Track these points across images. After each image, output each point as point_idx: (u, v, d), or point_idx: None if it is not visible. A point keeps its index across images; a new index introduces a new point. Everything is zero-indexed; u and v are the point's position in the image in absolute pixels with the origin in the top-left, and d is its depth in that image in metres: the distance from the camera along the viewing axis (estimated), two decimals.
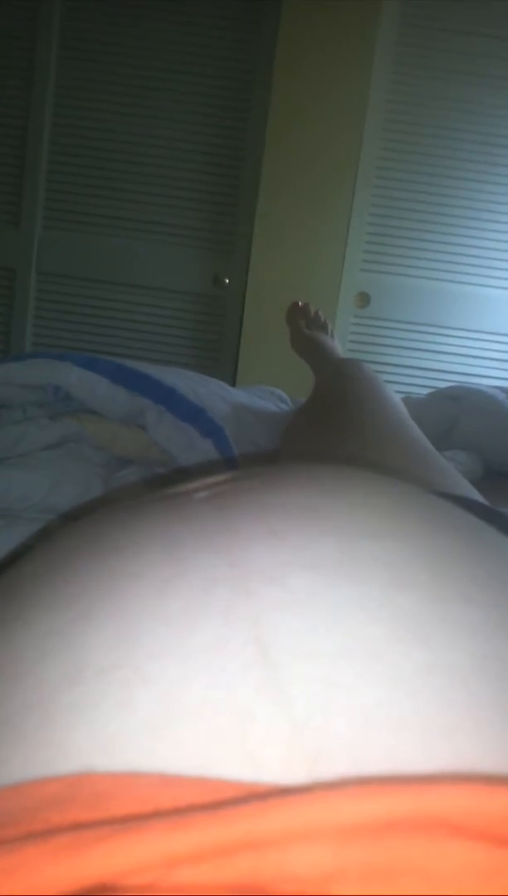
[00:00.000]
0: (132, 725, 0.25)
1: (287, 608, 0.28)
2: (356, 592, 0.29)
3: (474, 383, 1.87)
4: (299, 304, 1.71)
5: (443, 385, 1.72)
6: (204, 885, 0.19)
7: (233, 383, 1.67)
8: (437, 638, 0.28)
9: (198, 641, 0.27)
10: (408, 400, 1.46)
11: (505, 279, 2.62)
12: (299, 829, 0.20)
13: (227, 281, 2.70)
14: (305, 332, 1.61)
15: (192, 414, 1.04)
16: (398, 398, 1.12)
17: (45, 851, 0.20)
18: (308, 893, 0.19)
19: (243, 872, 0.19)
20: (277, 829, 0.20)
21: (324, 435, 0.96)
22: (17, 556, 0.41)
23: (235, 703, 0.25)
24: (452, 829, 0.19)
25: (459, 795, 0.20)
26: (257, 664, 0.26)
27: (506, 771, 0.24)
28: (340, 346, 1.63)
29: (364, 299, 2.62)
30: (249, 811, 0.20)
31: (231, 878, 0.19)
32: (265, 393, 1.50)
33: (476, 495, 0.80)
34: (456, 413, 1.45)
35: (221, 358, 2.74)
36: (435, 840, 0.19)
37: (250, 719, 0.25)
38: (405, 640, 0.27)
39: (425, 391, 1.72)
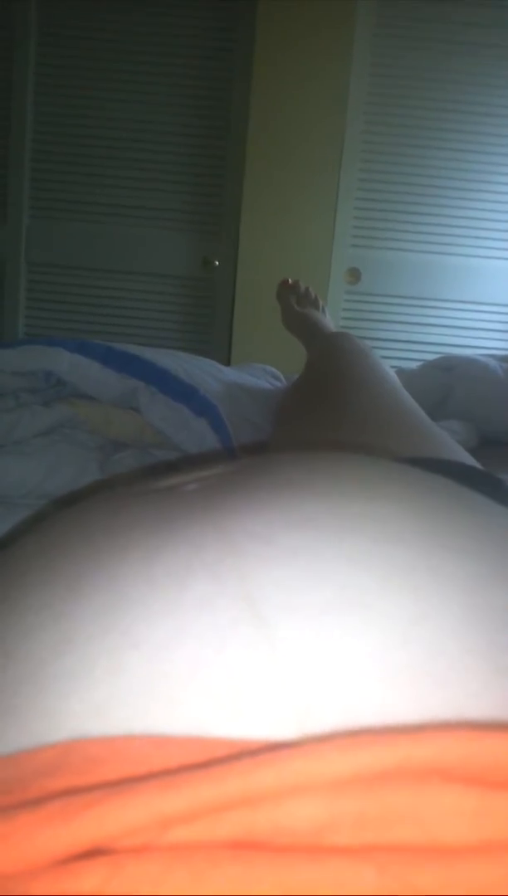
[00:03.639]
0: (123, 689, 0.25)
1: (275, 563, 0.28)
2: (344, 546, 0.29)
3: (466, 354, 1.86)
4: (289, 281, 1.70)
5: (436, 357, 1.72)
6: (198, 843, 0.19)
7: (227, 364, 1.67)
8: (428, 588, 0.28)
9: (185, 601, 0.27)
10: (401, 372, 1.46)
11: (495, 249, 2.61)
12: (291, 783, 0.20)
13: (216, 263, 2.69)
14: (296, 308, 1.60)
15: (185, 393, 1.04)
16: (390, 370, 1.12)
17: (38, 818, 0.20)
18: (303, 845, 0.19)
19: (237, 828, 0.19)
20: (269, 784, 0.20)
21: (317, 412, 0.96)
22: (9, 541, 0.41)
23: (224, 660, 0.25)
24: (443, 775, 0.19)
25: (449, 742, 0.20)
26: (246, 620, 0.26)
27: (497, 719, 0.24)
28: (331, 321, 1.62)
29: (355, 275, 2.61)
30: (240, 767, 0.20)
31: (225, 834, 0.19)
32: (258, 371, 1.50)
33: (472, 462, 0.80)
34: (450, 383, 1.45)
35: (214, 340, 2.73)
36: (427, 787, 0.19)
37: (240, 676, 0.25)
38: (396, 591, 0.27)
39: (417, 364, 1.72)
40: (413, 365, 1.74)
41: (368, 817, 0.19)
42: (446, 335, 2.66)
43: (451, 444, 0.83)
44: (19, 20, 2.59)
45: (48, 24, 2.60)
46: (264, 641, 0.25)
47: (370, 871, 0.17)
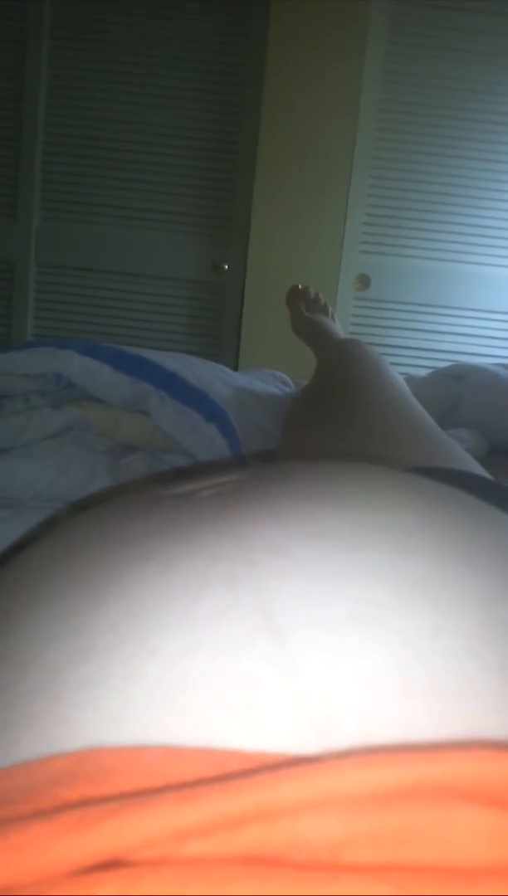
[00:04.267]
0: (138, 699, 0.25)
1: (291, 575, 0.28)
2: (360, 558, 0.29)
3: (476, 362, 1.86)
4: (299, 287, 1.70)
5: (446, 365, 1.72)
6: (215, 858, 0.19)
7: (235, 369, 1.67)
8: (444, 602, 0.28)
9: (202, 612, 0.27)
10: (410, 379, 1.46)
11: (505, 257, 2.61)
12: (309, 799, 0.20)
13: (226, 267, 2.69)
14: (305, 314, 1.60)
15: (194, 398, 1.04)
16: (400, 377, 1.12)
17: (54, 828, 0.20)
18: (320, 862, 0.19)
19: (254, 843, 0.19)
20: (287, 800, 0.20)
21: (327, 419, 0.96)
22: (23, 545, 0.41)
23: (240, 671, 0.25)
24: (461, 795, 0.19)
25: (467, 762, 0.20)
26: (262, 631, 0.26)
27: None
28: (341, 328, 1.62)
29: (364, 281, 2.61)
30: (258, 782, 0.20)
31: (242, 849, 0.19)
32: (268, 376, 1.50)
33: (481, 471, 0.80)
34: (459, 391, 1.45)
35: (222, 344, 2.73)
36: (444, 807, 0.19)
37: (256, 687, 0.25)
38: (412, 604, 0.27)
39: (427, 372, 1.72)
40: (423, 372, 1.74)
41: (385, 835, 0.19)
42: (455, 343, 2.65)
43: (460, 453, 0.83)
44: (32, 22, 2.59)
45: (60, 25, 2.61)
46: (279, 653, 0.25)
47: (387, 891, 0.17)
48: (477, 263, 2.61)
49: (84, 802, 0.21)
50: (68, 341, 1.07)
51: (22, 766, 0.24)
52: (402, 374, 1.27)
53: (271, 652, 0.25)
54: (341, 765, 0.20)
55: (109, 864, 0.19)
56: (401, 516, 0.32)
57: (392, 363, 1.21)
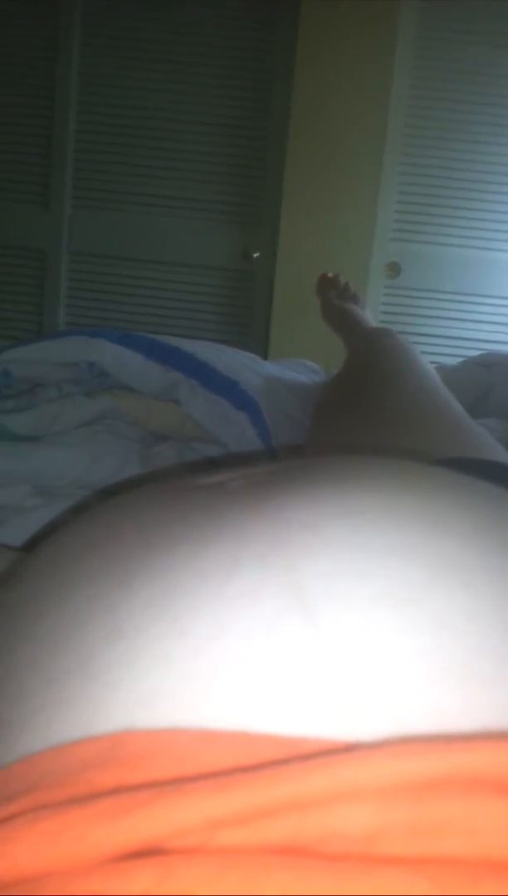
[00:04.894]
0: (170, 679, 0.25)
1: (323, 554, 0.28)
2: (394, 538, 0.29)
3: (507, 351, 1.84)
4: (329, 275, 1.70)
5: (476, 354, 1.70)
6: (249, 847, 0.19)
7: (265, 357, 1.67)
8: (480, 585, 0.27)
9: (233, 591, 0.27)
10: (440, 368, 1.45)
11: None
12: (342, 789, 0.19)
13: (256, 254, 2.68)
14: (335, 303, 1.60)
15: (225, 387, 1.04)
16: (430, 366, 1.11)
17: (89, 815, 0.20)
18: (353, 853, 0.19)
19: (287, 833, 0.19)
20: (320, 790, 0.20)
21: (357, 409, 0.96)
22: (53, 531, 0.41)
23: (271, 652, 0.25)
24: (496, 786, 0.19)
25: (502, 753, 0.20)
26: (293, 611, 0.26)
27: None
28: (371, 316, 1.61)
29: (395, 269, 2.59)
30: (292, 771, 0.20)
31: (275, 839, 0.19)
32: (298, 365, 1.49)
33: None
34: (490, 380, 1.43)
35: (252, 332, 2.73)
36: (479, 798, 0.19)
37: (287, 670, 0.24)
38: (448, 586, 0.27)
39: (458, 361, 1.70)
40: (453, 361, 1.72)
41: (420, 827, 0.19)
42: (486, 331, 2.63)
43: (490, 443, 0.82)
44: (64, 11, 2.60)
45: (93, 16, 2.61)
46: (311, 634, 0.25)
47: (423, 884, 0.17)
48: None
49: (118, 788, 0.21)
50: (100, 330, 1.08)
51: (55, 749, 0.24)
52: (432, 362, 1.26)
53: (302, 633, 0.25)
54: (374, 754, 0.20)
55: (144, 853, 0.19)
56: (435, 500, 0.32)
57: (422, 352, 1.20)
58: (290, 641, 0.25)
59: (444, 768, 0.20)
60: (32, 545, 0.70)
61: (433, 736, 0.22)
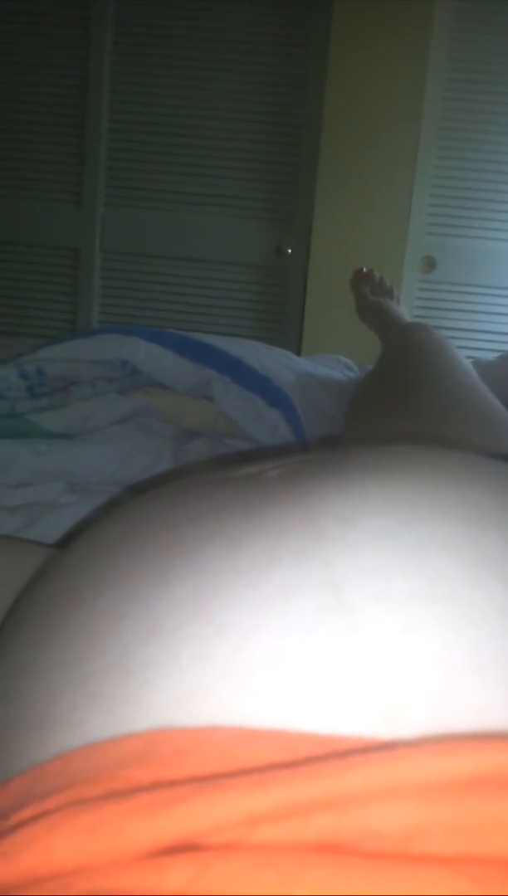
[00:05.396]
0: (208, 677, 0.25)
1: (360, 549, 0.27)
2: (433, 532, 0.28)
3: None
4: (363, 270, 1.69)
5: None
6: (285, 844, 0.19)
7: (298, 353, 1.66)
8: None
9: (269, 589, 0.27)
10: (477, 363, 1.43)
11: None
12: (380, 787, 0.19)
13: (289, 251, 2.68)
14: (370, 298, 1.59)
15: (258, 384, 1.04)
16: (467, 361, 1.10)
17: (127, 810, 0.20)
18: (391, 851, 0.18)
19: (325, 830, 0.19)
20: (358, 787, 0.19)
21: (393, 405, 0.95)
22: (85, 528, 0.41)
23: (308, 650, 0.25)
24: None
25: None
26: (330, 608, 0.26)
27: None
28: (406, 311, 1.60)
29: (430, 263, 2.57)
30: (329, 769, 0.20)
31: (312, 836, 0.19)
32: (332, 361, 1.49)
33: None
34: None
35: (285, 328, 2.72)
36: None
37: (325, 666, 0.24)
38: (486, 581, 0.26)
39: (494, 356, 1.69)
40: (490, 356, 1.70)
41: (459, 826, 0.18)
42: None
43: None
44: (96, 11, 2.61)
45: (125, 16, 2.61)
46: (348, 632, 0.25)
47: (462, 883, 0.17)
48: None
49: (156, 784, 0.21)
50: (133, 328, 1.08)
51: (94, 746, 0.24)
52: (469, 357, 1.25)
53: (339, 630, 0.25)
54: (413, 752, 0.20)
55: (181, 848, 0.19)
56: (473, 492, 0.31)
57: (459, 346, 1.19)
58: (328, 640, 0.25)
59: (485, 767, 0.20)
60: (66, 542, 0.70)
61: (473, 734, 0.22)
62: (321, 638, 0.25)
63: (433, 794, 0.19)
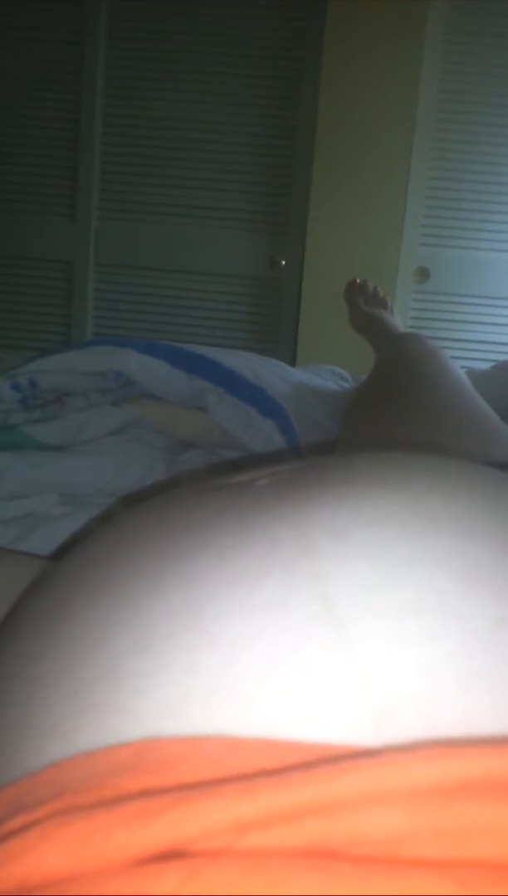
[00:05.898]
0: (198, 688, 0.25)
1: (351, 562, 0.28)
2: (423, 544, 0.28)
3: None
4: (357, 281, 1.70)
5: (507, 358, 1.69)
6: (275, 850, 0.19)
7: (293, 364, 1.67)
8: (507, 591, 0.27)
9: (261, 600, 0.27)
10: (470, 373, 1.43)
11: None
12: (370, 793, 0.19)
13: (283, 263, 2.69)
14: (364, 309, 1.60)
15: (252, 394, 1.04)
16: (461, 371, 1.11)
17: (116, 818, 0.20)
18: (381, 856, 0.18)
19: (314, 836, 0.19)
20: (347, 793, 0.19)
21: (387, 415, 0.95)
22: (79, 539, 0.41)
23: (299, 661, 0.25)
24: None
25: None
26: (321, 620, 0.26)
27: None
28: (400, 321, 1.61)
29: (424, 274, 2.58)
30: (318, 775, 0.20)
31: (302, 842, 0.19)
32: (326, 372, 1.49)
33: None
34: None
35: (280, 340, 2.73)
36: None
37: (315, 678, 0.24)
38: (476, 593, 0.27)
39: (488, 365, 1.69)
40: (484, 366, 1.71)
41: (447, 830, 0.18)
42: None
43: None
44: (89, 21, 2.62)
45: (117, 26, 2.63)
46: (338, 643, 0.25)
47: (449, 886, 0.17)
48: None
49: (145, 793, 0.21)
50: (127, 340, 1.09)
51: (85, 755, 0.24)
52: (463, 367, 1.25)
53: (329, 642, 0.25)
54: (402, 758, 0.20)
55: (170, 855, 0.19)
56: (465, 503, 0.32)
57: (452, 356, 1.20)
58: (318, 650, 0.25)
59: (473, 772, 0.20)
60: (61, 554, 0.70)
61: (461, 740, 0.22)
62: (311, 649, 0.25)
63: (421, 799, 0.19)
